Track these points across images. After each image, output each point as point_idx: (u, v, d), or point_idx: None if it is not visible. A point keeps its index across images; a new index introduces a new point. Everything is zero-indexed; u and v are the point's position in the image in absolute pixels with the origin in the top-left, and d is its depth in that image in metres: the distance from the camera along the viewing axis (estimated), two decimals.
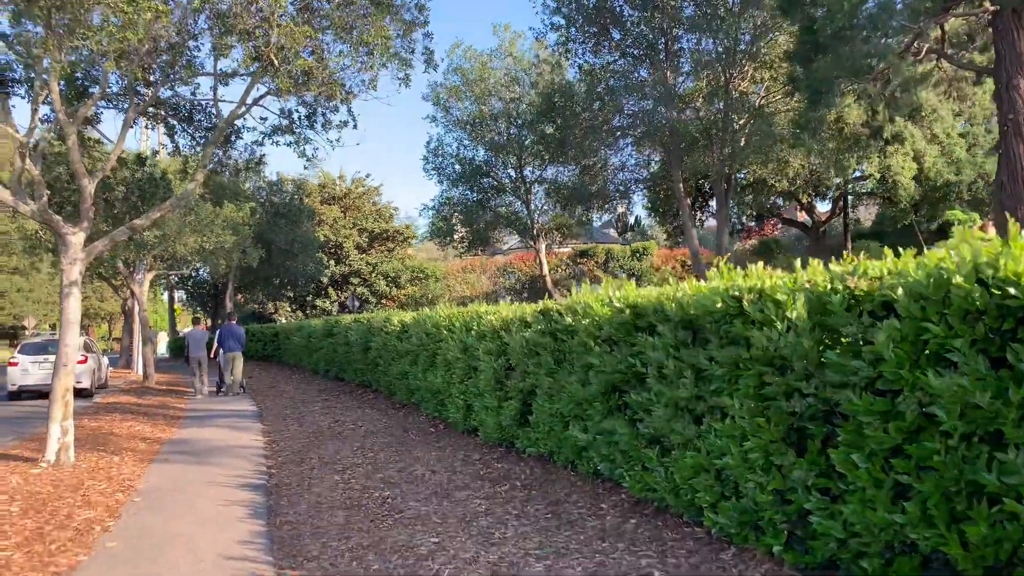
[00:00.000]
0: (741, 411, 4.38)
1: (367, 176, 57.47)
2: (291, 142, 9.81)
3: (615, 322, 5.75)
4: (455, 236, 34.75)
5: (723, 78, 23.62)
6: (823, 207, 39.09)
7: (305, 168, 11.12)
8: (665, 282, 6.17)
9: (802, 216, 42.91)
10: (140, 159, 11.03)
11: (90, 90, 8.84)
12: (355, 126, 10.15)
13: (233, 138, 10.60)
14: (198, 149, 10.80)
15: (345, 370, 18.24)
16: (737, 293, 4.49)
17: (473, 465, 8.23)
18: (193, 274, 36.78)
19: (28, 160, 7.73)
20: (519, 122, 31.96)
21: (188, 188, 8.91)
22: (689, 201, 34.61)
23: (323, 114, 9.86)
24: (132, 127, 10.05)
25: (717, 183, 24.54)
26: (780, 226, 53.51)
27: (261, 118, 10.16)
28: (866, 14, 16.03)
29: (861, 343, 3.69)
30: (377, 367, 14.99)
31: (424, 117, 45.47)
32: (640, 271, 46.09)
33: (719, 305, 4.55)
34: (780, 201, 36.07)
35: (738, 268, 4.94)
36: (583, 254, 47.37)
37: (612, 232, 60.94)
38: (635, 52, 24.77)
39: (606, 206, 30.12)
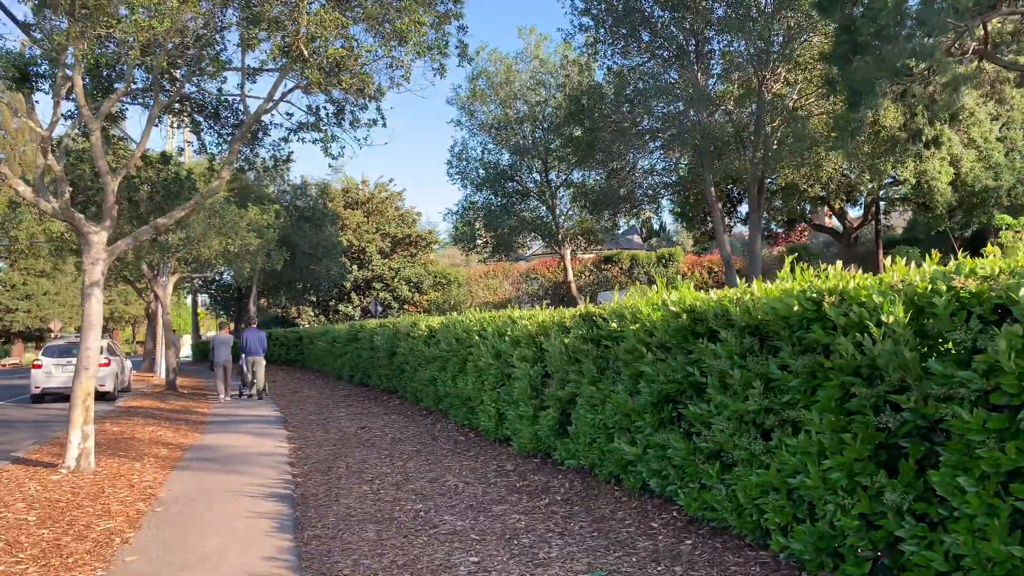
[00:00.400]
0: (820, 425, 3.96)
1: (390, 181, 57.49)
2: (318, 139, 9.50)
3: (670, 327, 5.34)
4: (478, 241, 34.46)
5: (756, 80, 23.14)
6: (853, 213, 38.37)
7: (331, 167, 10.88)
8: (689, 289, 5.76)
9: (830, 222, 42.22)
10: (165, 157, 10.79)
11: (115, 85, 8.58)
12: (384, 124, 9.83)
13: (260, 135, 10.31)
14: (224, 147, 10.53)
15: (370, 375, 17.93)
16: (815, 295, 4.07)
17: (507, 477, 7.83)
18: (217, 278, 36.77)
19: (51, 156, 7.47)
20: (545, 125, 31.65)
21: (214, 185, 8.61)
22: (719, 206, 34.09)
23: (351, 111, 9.54)
24: (157, 124, 9.80)
25: (750, 187, 24.01)
26: (807, 232, 52.76)
27: (287, 114, 9.89)
28: (911, 12, 15.52)
29: (970, 351, 3.26)
30: (403, 373, 14.65)
31: (448, 121, 45.24)
32: (666, 278, 45.40)
33: (795, 309, 4.12)
34: (808, 207, 35.40)
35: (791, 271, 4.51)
36: (607, 260, 46.85)
37: (636, 238, 60.42)
38: (665, 54, 24.35)
39: (634, 211, 29.62)
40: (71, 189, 8.01)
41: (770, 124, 23.74)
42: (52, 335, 65.39)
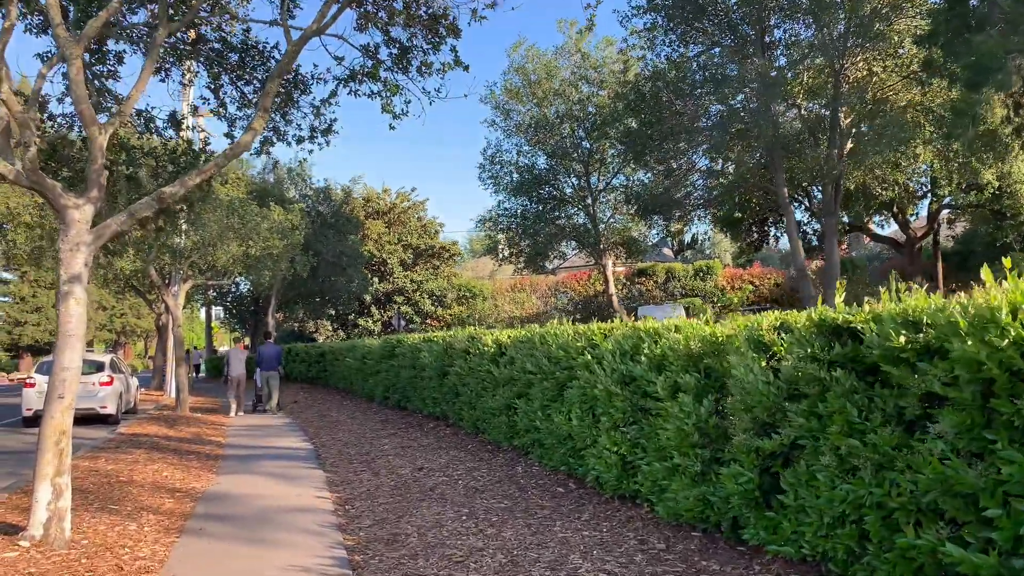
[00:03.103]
0: None
1: (412, 190, 55.28)
2: (376, 92, 7.16)
3: None
4: (513, 250, 32.06)
5: (834, 67, 20.72)
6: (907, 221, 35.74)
7: (392, 128, 8.49)
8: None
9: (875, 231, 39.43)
10: (175, 119, 8.48)
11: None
12: (466, 67, 7.41)
13: (297, 95, 7.98)
14: (248, 111, 8.22)
15: (410, 398, 15.46)
16: None
17: (662, 561, 5.34)
18: (232, 288, 34.49)
19: (4, 86, 5.13)
20: (587, 124, 29.32)
21: (242, 140, 6.23)
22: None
23: (422, 50, 7.16)
24: (163, 79, 7.44)
25: (826, 187, 21.52)
26: (847, 245, 50.02)
27: (336, 58, 7.52)
28: None
29: None
30: (458, 397, 12.19)
31: (482, 121, 42.94)
32: (704, 292, 43.02)
33: None
34: (867, 215, 32.83)
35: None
36: (641, 273, 44.37)
37: (667, 251, 57.84)
38: (728, 41, 21.97)
39: (688, 216, 27.11)
40: (40, 143, 5.61)
41: (850, 117, 21.31)
42: None
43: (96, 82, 7.21)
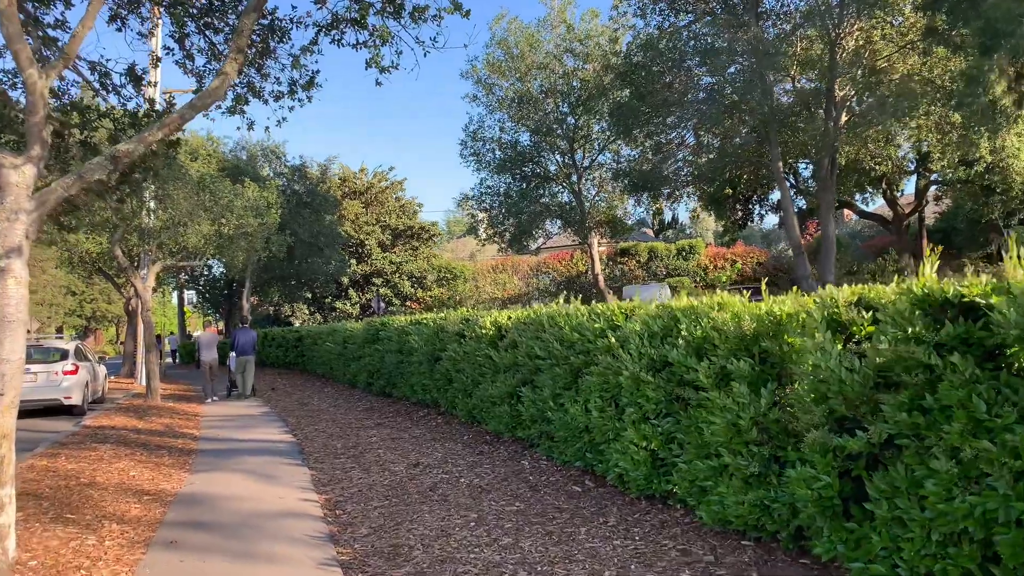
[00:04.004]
0: None
1: (390, 169, 54.00)
2: (362, 42, 6.24)
3: None
4: (497, 229, 31.13)
5: (830, 36, 19.98)
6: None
7: (379, 84, 7.68)
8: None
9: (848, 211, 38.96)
10: (134, 73, 7.42)
11: None
12: (466, 13, 6.47)
13: (274, 43, 7.03)
14: (215, 64, 7.25)
15: (396, 384, 14.60)
16: None
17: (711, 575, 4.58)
18: (205, 271, 33.24)
19: None
20: (572, 99, 28.40)
21: (210, 87, 5.30)
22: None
23: None
24: (120, 29, 6.45)
25: (820, 161, 20.85)
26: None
27: (315, 2, 6.54)
28: None
29: None
30: (451, 384, 11.35)
31: (463, 96, 41.74)
32: (687, 271, 42.50)
33: None
34: (853, 189, 32.26)
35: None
36: (623, 253, 43.70)
37: (647, 231, 57.16)
38: (720, 9, 21.13)
39: (677, 193, 26.31)
40: None
41: (845, 88, 20.62)
42: (30, 335, 61.21)
43: (40, 32, 6.23)
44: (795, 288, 5.13)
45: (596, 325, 6.75)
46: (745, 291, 6.23)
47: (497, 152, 30.88)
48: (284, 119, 8.11)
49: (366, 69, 6.61)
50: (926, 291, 3.74)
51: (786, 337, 4.78)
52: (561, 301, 8.62)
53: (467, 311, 11.84)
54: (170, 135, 5.59)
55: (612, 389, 6.43)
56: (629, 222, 32.99)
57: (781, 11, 22.19)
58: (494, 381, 9.39)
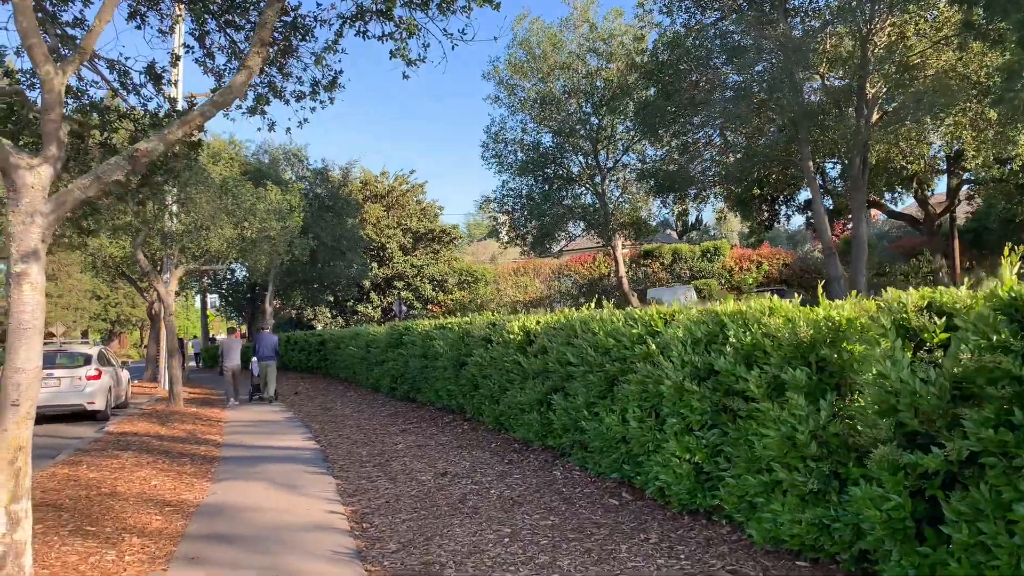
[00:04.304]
0: None
1: (411, 172, 53.98)
2: (388, 33, 5.99)
3: None
4: (519, 231, 30.88)
5: (861, 32, 19.54)
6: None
7: (406, 77, 7.37)
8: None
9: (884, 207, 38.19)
10: (153, 71, 7.23)
11: None
12: (497, 5, 6.20)
13: (296, 41, 6.80)
14: (236, 62, 7.04)
15: (420, 389, 14.36)
16: None
17: None
18: (228, 275, 33.25)
19: None
20: (595, 99, 28.08)
21: (235, 82, 5.09)
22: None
23: None
24: (140, 26, 6.25)
25: (851, 160, 20.36)
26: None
27: None
28: None
29: None
30: (477, 390, 11.08)
31: (484, 98, 41.56)
32: (712, 273, 41.99)
33: None
34: (882, 188, 31.60)
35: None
36: (647, 255, 43.26)
37: (670, 233, 56.56)
38: (747, 6, 20.72)
39: (705, 193, 25.88)
40: None
41: (876, 85, 20.14)
42: (55, 339, 61.94)
43: (57, 31, 6.05)
44: (820, 289, 4.80)
45: (633, 331, 6.44)
46: (770, 293, 6.00)
47: (519, 154, 30.65)
48: (306, 120, 7.83)
49: (391, 59, 6.36)
50: (1013, 295, 3.41)
51: (846, 344, 4.45)
52: (592, 305, 8.33)
53: (493, 315, 11.57)
54: (191, 133, 5.37)
55: (652, 398, 6.12)
56: (653, 223, 32.55)
57: (810, 8, 21.76)
58: (523, 388, 9.11)
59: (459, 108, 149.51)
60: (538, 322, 9.21)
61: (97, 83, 7.12)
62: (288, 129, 7.42)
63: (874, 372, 4.03)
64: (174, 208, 17.48)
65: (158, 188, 7.68)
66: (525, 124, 30.39)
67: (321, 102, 7.34)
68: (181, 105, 8.03)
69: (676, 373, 5.65)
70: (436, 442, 10.56)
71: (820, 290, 5.07)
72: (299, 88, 7.32)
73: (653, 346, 5.99)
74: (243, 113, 7.19)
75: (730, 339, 5.18)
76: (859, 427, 4.21)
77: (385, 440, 11.06)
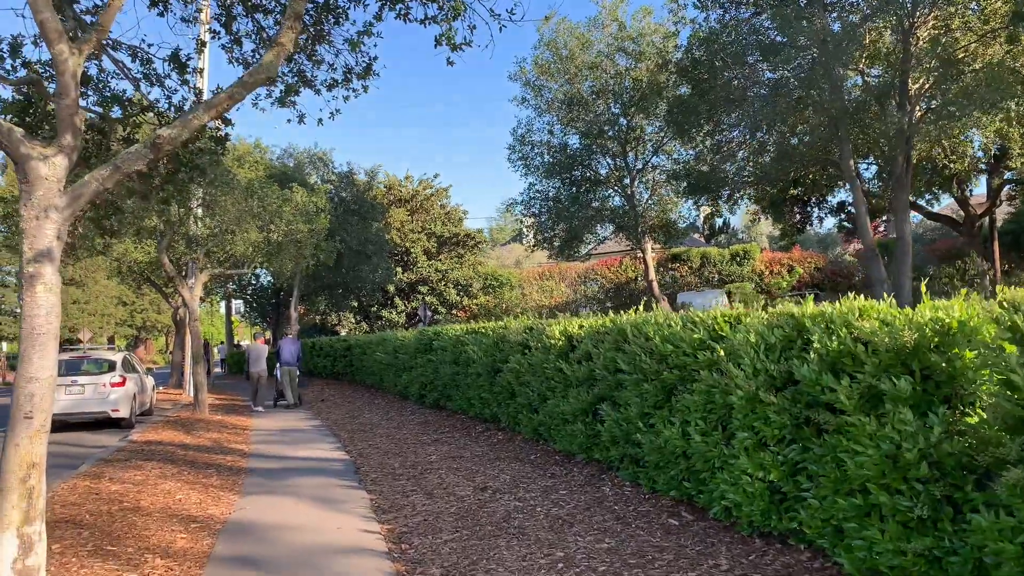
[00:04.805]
0: None
1: (435, 176, 53.64)
2: (431, 16, 5.53)
3: None
4: (546, 235, 30.37)
5: (903, 25, 18.85)
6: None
7: (450, 63, 6.92)
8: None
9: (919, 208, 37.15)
10: (177, 59, 6.82)
11: None
12: None
13: (328, 25, 6.36)
14: (263, 50, 6.62)
15: (451, 397, 13.89)
16: None
17: None
18: (252, 281, 33.04)
19: None
20: (624, 99, 27.55)
21: (266, 60, 4.67)
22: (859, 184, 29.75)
23: None
24: (163, 12, 5.84)
25: (893, 159, 19.63)
26: (883, 228, 47.68)
27: None
28: None
29: None
30: (514, 398, 10.58)
31: (510, 99, 41.15)
32: (741, 277, 41.24)
33: None
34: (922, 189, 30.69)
35: None
36: (675, 258, 42.56)
37: (697, 236, 55.75)
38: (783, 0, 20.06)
39: (739, 194, 25.20)
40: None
41: (918, 81, 19.42)
42: (82, 345, 62.07)
43: (73, 14, 5.65)
44: (924, 288, 4.25)
45: (695, 335, 5.91)
46: (809, 295, 5.53)
47: (546, 156, 30.15)
48: (338, 111, 7.34)
49: (435, 48, 5.91)
50: None
51: (956, 350, 3.90)
52: (642, 308, 7.81)
53: (527, 319, 11.08)
54: (219, 119, 4.94)
55: (718, 410, 5.58)
56: (686, 225, 31.88)
57: (847, 1, 21.08)
58: (565, 396, 8.59)
59: (480, 112, 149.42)
60: (581, 326, 8.70)
61: (118, 74, 6.74)
62: (320, 120, 6.95)
63: (996, 382, 3.48)
64: (199, 212, 17.20)
65: (183, 186, 7.28)
66: (552, 126, 29.90)
67: (354, 90, 6.89)
68: (207, 96, 7.61)
69: (748, 382, 5.11)
70: (471, 453, 10.07)
71: (923, 288, 4.51)
72: (331, 76, 6.88)
73: (721, 352, 5.45)
74: (272, 103, 6.76)
75: (814, 345, 4.63)
76: (977, 445, 3.66)
77: (417, 451, 10.59)
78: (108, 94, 6.51)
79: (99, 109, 6.44)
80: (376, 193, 39.23)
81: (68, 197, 4.38)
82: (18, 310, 62.76)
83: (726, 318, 5.85)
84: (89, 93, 6.51)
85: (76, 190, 4.39)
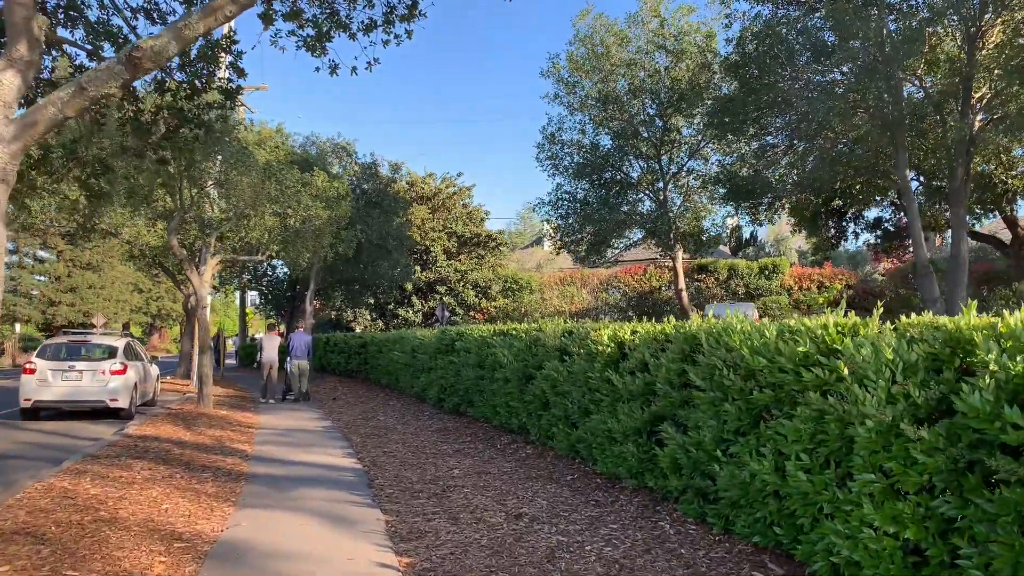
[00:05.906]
0: None
1: (458, 175, 52.69)
2: None
3: None
4: (573, 237, 29.30)
5: (969, 31, 17.64)
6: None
7: None
8: None
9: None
10: None
11: None
12: None
13: None
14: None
15: (473, 403, 12.80)
16: None
17: None
18: (268, 272, 32.12)
19: None
20: (661, 99, 26.45)
21: None
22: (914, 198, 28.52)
23: None
24: None
25: (953, 170, 18.37)
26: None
27: None
28: None
29: None
30: (547, 409, 9.47)
31: (542, 96, 40.11)
32: (769, 290, 39.97)
33: None
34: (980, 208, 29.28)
35: None
36: (701, 269, 41.33)
37: (723, 248, 54.42)
38: None
39: (781, 202, 23.98)
40: None
41: (981, 89, 18.20)
42: (96, 330, 61.31)
43: None
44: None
45: (800, 348, 4.77)
46: (851, 311, 4.53)
47: (576, 156, 29.10)
48: (376, 60, 6.23)
49: None
50: None
51: None
52: (708, 312, 6.68)
53: (566, 323, 9.97)
54: (217, 26, 3.91)
55: (832, 442, 4.44)
56: (718, 233, 30.66)
57: (905, 3, 19.86)
58: (613, 412, 7.47)
59: (503, 113, 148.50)
60: (634, 331, 7.59)
61: (115, 13, 5.70)
62: (354, 69, 5.86)
63: None
64: (214, 194, 16.23)
65: (186, 145, 6.24)
66: (584, 125, 28.84)
67: (396, 35, 5.82)
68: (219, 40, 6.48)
69: (882, 411, 3.97)
70: (498, 469, 8.96)
71: (973, 308, 3.35)
72: (369, 16, 5.78)
73: (845, 370, 4.31)
74: (298, 48, 5.68)
75: (990, 367, 3.49)
76: None
77: (438, 463, 9.49)
78: (101, 29, 5.50)
79: (88, 47, 5.43)
80: (398, 188, 38.27)
81: (17, 125, 3.32)
82: (34, 291, 62.38)
83: (840, 327, 4.72)
84: (79, 24, 5.47)
85: (28, 116, 3.33)
